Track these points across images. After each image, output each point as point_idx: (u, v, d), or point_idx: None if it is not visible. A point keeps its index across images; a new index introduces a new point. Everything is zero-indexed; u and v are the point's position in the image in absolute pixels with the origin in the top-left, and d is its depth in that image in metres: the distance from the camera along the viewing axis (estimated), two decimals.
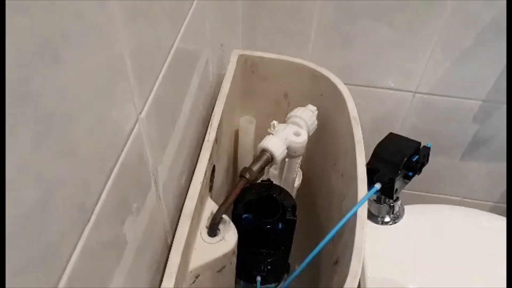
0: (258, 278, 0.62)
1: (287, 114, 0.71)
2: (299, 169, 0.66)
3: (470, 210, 0.73)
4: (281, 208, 0.58)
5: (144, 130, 0.34)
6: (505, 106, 0.83)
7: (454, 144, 0.93)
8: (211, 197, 0.55)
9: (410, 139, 0.52)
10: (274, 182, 0.67)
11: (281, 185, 0.66)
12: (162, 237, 0.45)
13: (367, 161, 0.50)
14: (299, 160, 0.61)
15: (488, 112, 0.85)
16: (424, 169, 0.55)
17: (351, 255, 0.44)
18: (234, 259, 0.55)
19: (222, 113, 0.58)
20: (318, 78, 0.66)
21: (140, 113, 0.34)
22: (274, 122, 0.58)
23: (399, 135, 0.53)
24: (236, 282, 0.66)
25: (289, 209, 0.58)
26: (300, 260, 0.78)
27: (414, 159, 0.51)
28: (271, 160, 0.55)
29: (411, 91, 0.83)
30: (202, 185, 0.48)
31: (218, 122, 0.56)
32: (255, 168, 0.53)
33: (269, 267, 0.63)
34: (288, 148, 0.57)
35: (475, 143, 0.91)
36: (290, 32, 0.77)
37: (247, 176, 0.52)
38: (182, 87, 0.46)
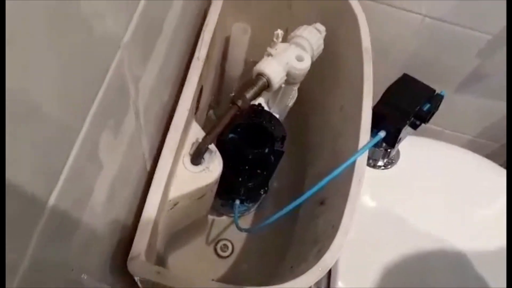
0: (237, 202, 0.60)
1: (287, 29, 0.63)
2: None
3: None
4: (269, 138, 0.54)
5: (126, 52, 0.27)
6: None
7: (452, 75, 0.88)
8: (196, 120, 0.49)
9: (424, 84, 0.46)
10: (266, 101, 0.61)
11: (274, 107, 0.60)
12: (141, 165, 0.40)
13: (374, 104, 0.45)
14: (296, 87, 0.55)
15: (493, 49, 0.80)
16: None
17: (343, 207, 0.41)
18: (216, 187, 0.52)
19: (216, 23, 0.49)
20: None
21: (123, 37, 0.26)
22: (279, 31, 0.50)
23: (413, 78, 0.47)
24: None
25: (278, 140, 0.53)
26: (280, 179, 0.76)
27: (425, 108, 0.46)
28: (267, 86, 0.49)
29: (420, 14, 0.75)
30: (189, 112, 0.42)
31: (211, 34, 0.48)
32: (249, 95, 0.47)
33: (248, 190, 0.61)
34: (287, 74, 0.50)
35: (473, 77, 0.88)
36: None
37: (239, 103, 0.46)
38: None
